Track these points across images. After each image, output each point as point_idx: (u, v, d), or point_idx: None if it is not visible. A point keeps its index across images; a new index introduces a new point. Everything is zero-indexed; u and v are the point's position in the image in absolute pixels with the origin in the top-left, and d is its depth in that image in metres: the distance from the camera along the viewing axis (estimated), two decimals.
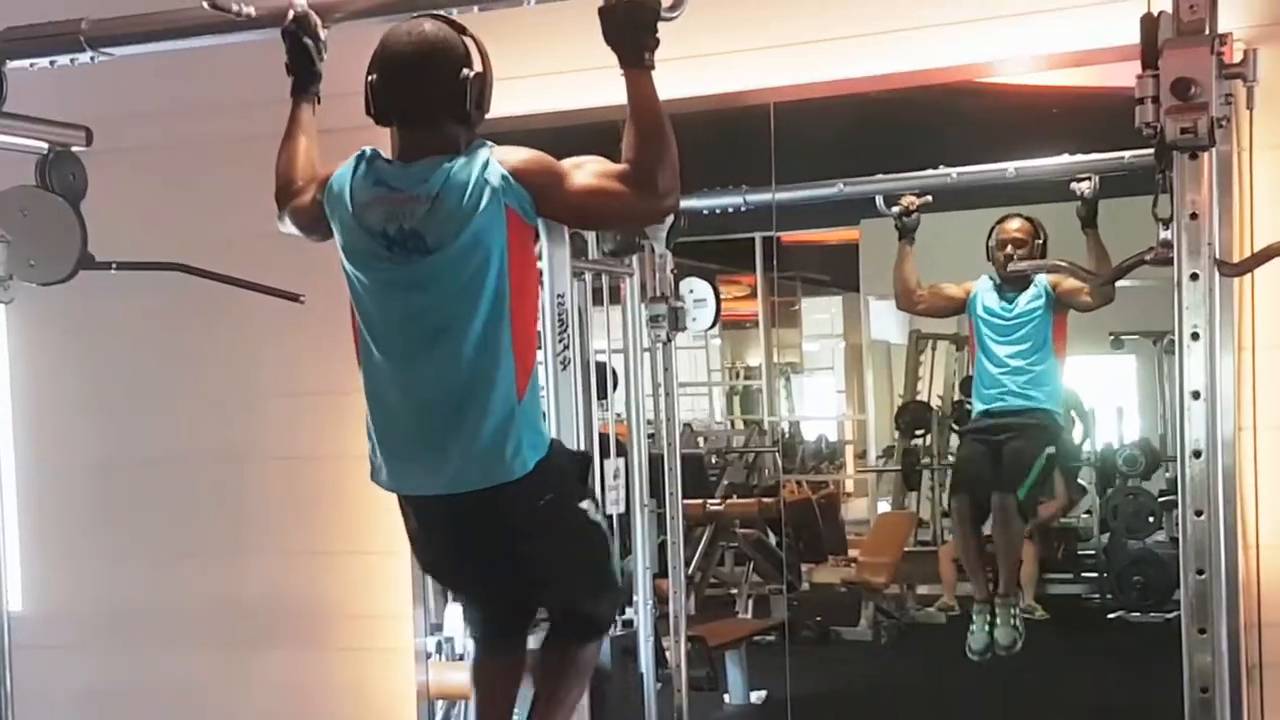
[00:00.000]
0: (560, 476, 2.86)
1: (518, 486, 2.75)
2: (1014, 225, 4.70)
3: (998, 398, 4.74)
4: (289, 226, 3.01)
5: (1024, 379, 4.70)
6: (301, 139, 3.03)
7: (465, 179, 2.68)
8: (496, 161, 2.70)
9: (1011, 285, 4.70)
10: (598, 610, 3.07)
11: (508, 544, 2.87)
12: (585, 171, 2.71)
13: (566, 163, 2.74)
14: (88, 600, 4.46)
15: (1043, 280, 4.64)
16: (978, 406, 4.84)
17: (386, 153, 2.83)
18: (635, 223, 4.03)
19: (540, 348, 3.13)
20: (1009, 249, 4.67)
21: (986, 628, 4.74)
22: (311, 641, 4.24)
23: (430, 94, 2.75)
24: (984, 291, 4.77)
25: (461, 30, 2.79)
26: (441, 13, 2.81)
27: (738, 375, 6.79)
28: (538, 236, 2.98)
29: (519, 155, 2.73)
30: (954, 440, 5.39)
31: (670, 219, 4.29)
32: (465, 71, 2.74)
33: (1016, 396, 4.71)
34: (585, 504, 2.94)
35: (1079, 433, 5.14)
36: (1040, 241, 4.69)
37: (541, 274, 3.06)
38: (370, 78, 2.79)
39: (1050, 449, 4.76)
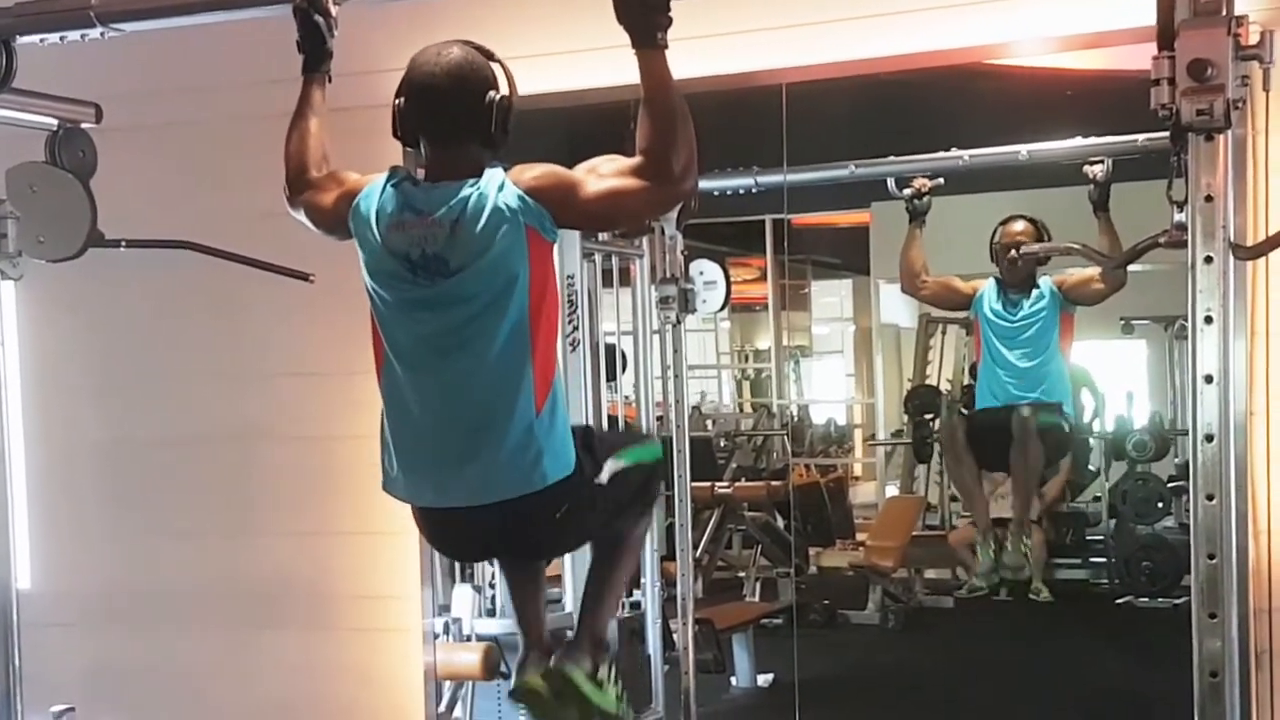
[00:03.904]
0: (579, 490, 2.83)
1: (533, 500, 2.75)
2: (1018, 226, 4.68)
3: (1002, 397, 4.71)
4: (302, 217, 3.00)
5: (1028, 382, 4.68)
6: (312, 119, 3.01)
7: (484, 204, 2.69)
8: (512, 182, 2.71)
9: (1016, 289, 4.67)
10: (635, 512, 3.07)
11: (532, 545, 2.98)
12: (599, 175, 2.70)
13: (580, 168, 2.73)
14: (95, 579, 4.45)
15: (1047, 282, 4.61)
16: (982, 405, 4.82)
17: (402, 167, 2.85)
18: (656, 213, 4.02)
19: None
20: (1013, 251, 4.64)
21: (992, 554, 4.70)
22: (319, 622, 4.24)
23: (457, 117, 2.76)
24: (990, 294, 4.74)
25: (489, 56, 2.80)
26: (470, 40, 2.81)
27: (747, 358, 6.79)
28: None
29: (532, 173, 2.73)
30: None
31: None
32: (492, 95, 2.76)
33: (1021, 393, 4.68)
34: (604, 474, 2.90)
35: (1090, 411, 5.12)
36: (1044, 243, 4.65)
37: (559, 284, 3.03)
38: (398, 100, 2.80)
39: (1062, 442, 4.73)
